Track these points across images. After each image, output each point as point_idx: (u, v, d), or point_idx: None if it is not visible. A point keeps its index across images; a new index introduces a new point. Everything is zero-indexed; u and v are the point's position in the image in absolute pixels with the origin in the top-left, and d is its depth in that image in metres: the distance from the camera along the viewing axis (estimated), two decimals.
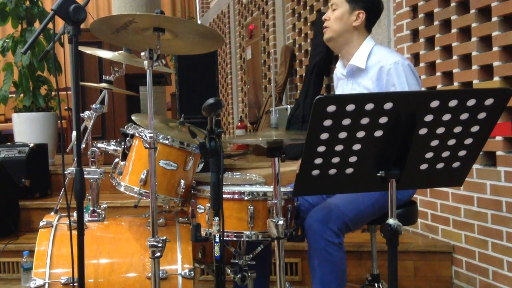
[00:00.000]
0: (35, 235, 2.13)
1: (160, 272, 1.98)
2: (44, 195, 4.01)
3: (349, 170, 1.54)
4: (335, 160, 1.51)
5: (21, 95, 4.75)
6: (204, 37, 2.02)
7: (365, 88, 2.21)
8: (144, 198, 2.08)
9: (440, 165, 1.59)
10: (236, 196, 1.95)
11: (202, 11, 10.51)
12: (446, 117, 1.47)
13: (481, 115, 1.48)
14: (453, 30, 2.90)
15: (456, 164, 1.60)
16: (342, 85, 2.38)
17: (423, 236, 3.26)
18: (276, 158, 1.85)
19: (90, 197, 2.24)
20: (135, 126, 2.14)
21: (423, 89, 3.13)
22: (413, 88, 2.13)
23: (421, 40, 3.19)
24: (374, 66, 2.20)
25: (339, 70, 2.41)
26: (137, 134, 2.10)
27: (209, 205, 1.96)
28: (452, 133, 1.51)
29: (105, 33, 1.96)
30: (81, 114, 2.33)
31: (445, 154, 1.56)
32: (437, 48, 3.05)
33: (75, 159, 1.79)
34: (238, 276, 2.00)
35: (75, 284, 1.73)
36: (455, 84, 2.92)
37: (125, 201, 3.45)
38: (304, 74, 4.94)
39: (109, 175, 2.23)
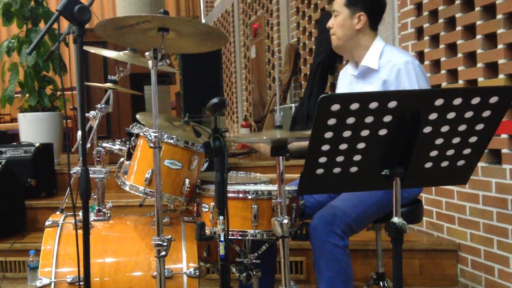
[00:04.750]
0: (41, 235, 2.14)
1: (166, 271, 1.99)
2: (50, 195, 4.02)
3: (354, 169, 1.55)
4: (340, 158, 1.51)
5: (27, 95, 4.76)
6: (208, 35, 2.02)
7: (375, 88, 2.19)
8: (149, 197, 2.09)
9: (444, 164, 1.59)
10: (240, 195, 1.95)
11: (206, 10, 10.52)
12: (451, 115, 1.47)
13: (486, 113, 1.48)
14: (458, 28, 2.89)
15: (460, 162, 1.59)
16: (351, 85, 2.35)
17: (428, 234, 3.25)
18: (281, 157, 1.85)
19: (95, 196, 2.25)
20: (140, 125, 2.14)
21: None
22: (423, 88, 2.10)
23: (426, 38, 3.18)
24: (386, 65, 2.18)
25: (349, 70, 2.37)
26: (142, 134, 2.11)
27: (213, 204, 1.96)
28: (457, 131, 1.51)
29: (108, 31, 1.95)
30: (86, 114, 2.33)
31: (450, 152, 1.56)
32: (441, 46, 3.04)
33: (81, 158, 1.79)
34: (243, 274, 2.00)
35: (81, 283, 1.74)
36: (460, 82, 2.91)
37: (130, 200, 3.46)
38: (308, 73, 4.93)
39: (114, 174, 2.23)
